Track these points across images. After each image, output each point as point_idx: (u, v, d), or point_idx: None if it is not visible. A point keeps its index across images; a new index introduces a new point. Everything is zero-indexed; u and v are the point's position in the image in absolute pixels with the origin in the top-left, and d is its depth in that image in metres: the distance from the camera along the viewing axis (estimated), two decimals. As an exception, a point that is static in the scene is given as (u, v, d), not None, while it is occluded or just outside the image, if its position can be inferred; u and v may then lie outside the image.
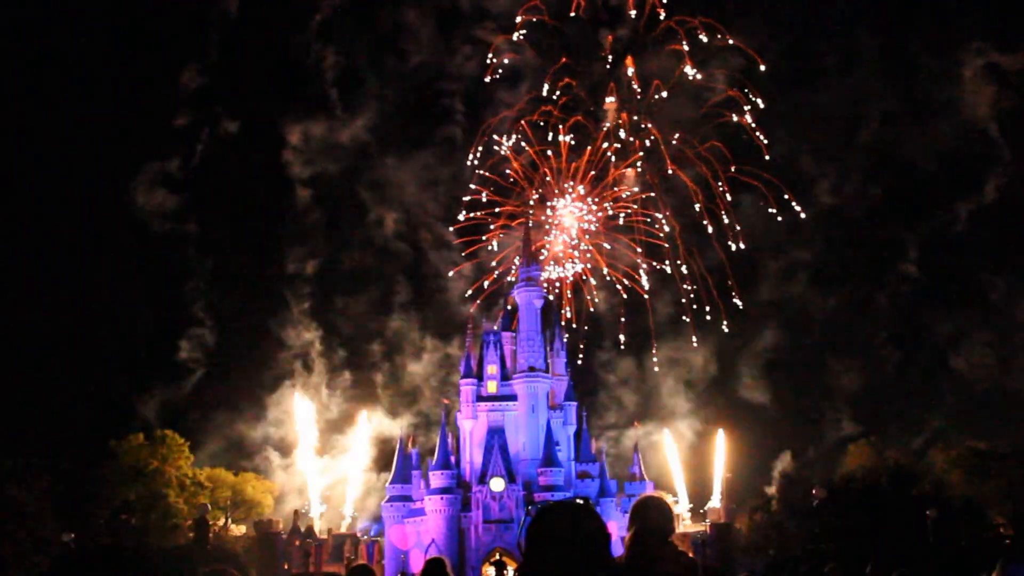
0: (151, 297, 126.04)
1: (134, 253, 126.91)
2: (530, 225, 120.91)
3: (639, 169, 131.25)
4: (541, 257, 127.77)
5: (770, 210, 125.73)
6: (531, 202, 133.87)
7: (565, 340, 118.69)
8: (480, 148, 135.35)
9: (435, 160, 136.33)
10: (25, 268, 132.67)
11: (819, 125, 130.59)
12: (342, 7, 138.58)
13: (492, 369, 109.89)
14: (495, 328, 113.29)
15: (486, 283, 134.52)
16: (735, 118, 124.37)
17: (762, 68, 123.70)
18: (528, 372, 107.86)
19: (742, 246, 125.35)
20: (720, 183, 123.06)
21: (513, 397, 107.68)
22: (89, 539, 77.72)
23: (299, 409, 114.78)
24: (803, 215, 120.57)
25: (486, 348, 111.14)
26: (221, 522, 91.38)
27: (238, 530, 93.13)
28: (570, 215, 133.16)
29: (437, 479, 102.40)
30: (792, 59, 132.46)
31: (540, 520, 5.35)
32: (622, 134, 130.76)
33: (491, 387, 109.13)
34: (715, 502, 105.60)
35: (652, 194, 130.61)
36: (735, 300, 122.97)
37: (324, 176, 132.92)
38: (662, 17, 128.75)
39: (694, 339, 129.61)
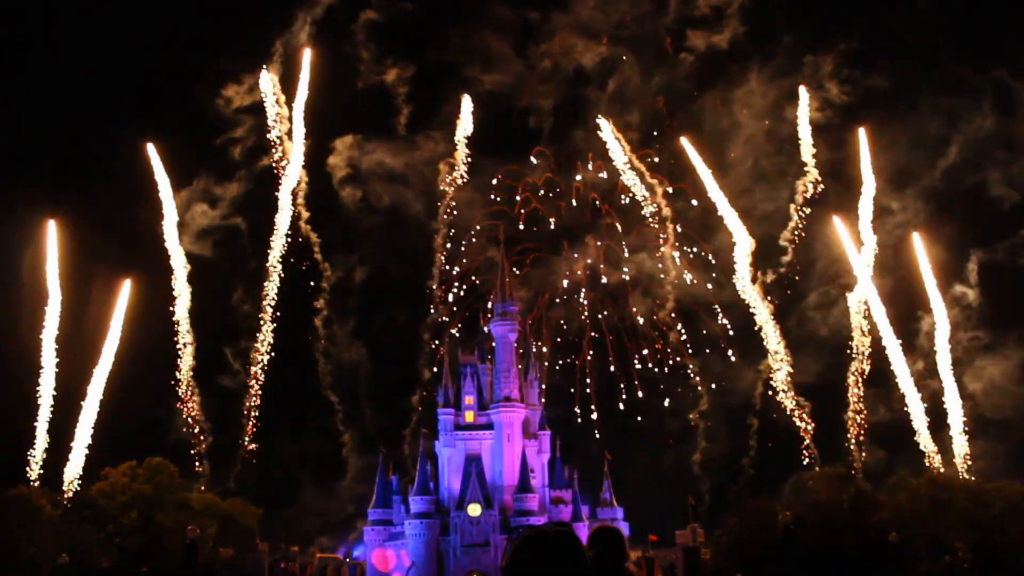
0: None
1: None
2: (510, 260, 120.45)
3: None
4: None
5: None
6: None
7: (539, 372, 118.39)
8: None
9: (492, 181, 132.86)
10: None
11: (904, 147, 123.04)
12: (408, 23, 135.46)
13: (469, 399, 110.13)
14: (472, 359, 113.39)
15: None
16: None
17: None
18: (504, 402, 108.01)
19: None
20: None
21: (490, 426, 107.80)
22: (84, 562, 76.90)
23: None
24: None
25: (463, 379, 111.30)
26: (210, 545, 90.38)
27: (226, 553, 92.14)
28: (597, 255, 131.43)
29: (417, 504, 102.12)
30: (892, 80, 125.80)
31: (524, 545, 5.48)
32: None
33: (468, 416, 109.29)
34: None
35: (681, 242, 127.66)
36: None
37: (379, 193, 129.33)
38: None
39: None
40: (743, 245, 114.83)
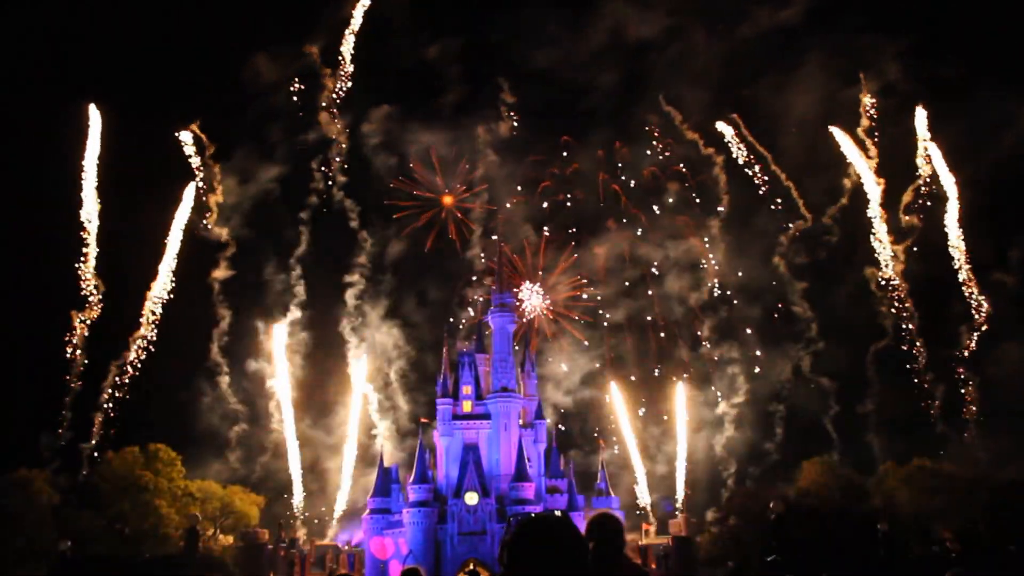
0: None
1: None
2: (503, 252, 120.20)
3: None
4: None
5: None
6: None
7: (535, 361, 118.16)
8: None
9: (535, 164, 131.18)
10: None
11: (960, 132, 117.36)
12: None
13: (467, 389, 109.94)
14: (470, 350, 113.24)
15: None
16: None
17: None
18: (501, 392, 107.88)
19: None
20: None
21: (487, 416, 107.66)
22: (85, 547, 76.98)
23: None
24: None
25: (461, 369, 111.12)
26: (210, 532, 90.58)
27: (226, 540, 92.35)
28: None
29: (415, 493, 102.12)
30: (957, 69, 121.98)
31: (522, 532, 5.39)
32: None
33: (466, 406, 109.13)
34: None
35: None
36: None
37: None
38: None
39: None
40: (790, 226, 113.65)
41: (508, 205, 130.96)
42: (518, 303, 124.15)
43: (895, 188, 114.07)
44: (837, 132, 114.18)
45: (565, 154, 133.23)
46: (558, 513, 6.57)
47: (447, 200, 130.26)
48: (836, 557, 62.32)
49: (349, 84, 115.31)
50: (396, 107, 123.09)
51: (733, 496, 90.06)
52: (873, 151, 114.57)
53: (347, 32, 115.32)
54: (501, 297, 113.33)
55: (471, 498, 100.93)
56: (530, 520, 5.39)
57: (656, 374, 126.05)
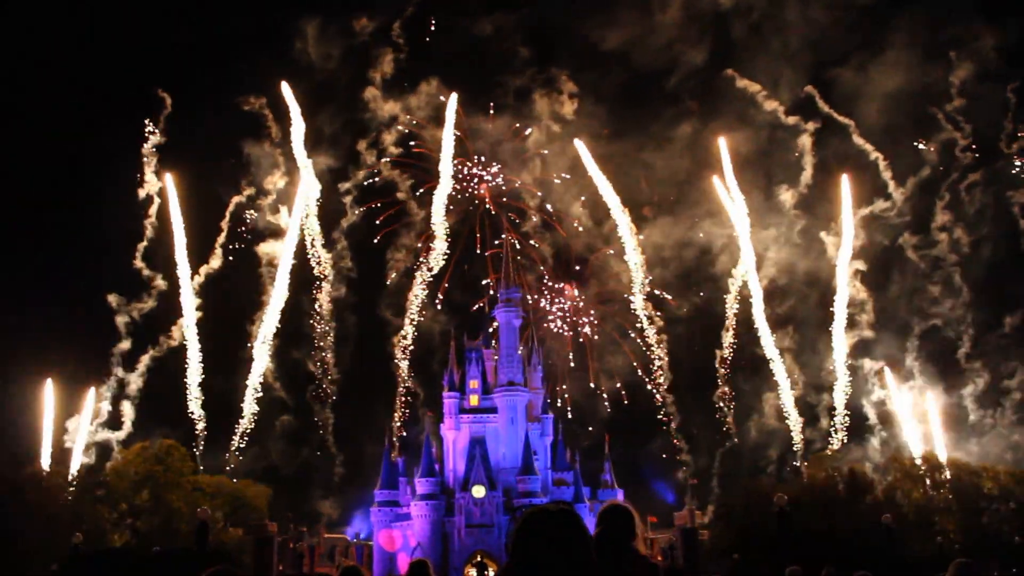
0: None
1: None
2: (509, 248, 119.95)
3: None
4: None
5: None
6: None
7: (541, 357, 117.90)
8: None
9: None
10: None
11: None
12: None
13: (474, 383, 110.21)
14: (477, 345, 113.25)
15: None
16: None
17: None
18: (508, 386, 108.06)
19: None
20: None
21: (494, 409, 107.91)
22: (97, 541, 77.15)
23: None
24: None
25: (468, 364, 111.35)
26: (220, 525, 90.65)
27: (236, 533, 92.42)
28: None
29: (422, 486, 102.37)
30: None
31: (527, 524, 5.31)
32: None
33: (473, 400, 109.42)
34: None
35: None
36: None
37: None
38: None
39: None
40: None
41: (555, 210, 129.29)
42: (567, 297, 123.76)
43: (976, 167, 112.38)
44: (923, 105, 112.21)
45: (619, 137, 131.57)
46: (563, 505, 6.42)
47: (483, 190, 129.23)
48: (840, 549, 62.22)
49: (402, 59, 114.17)
50: (447, 84, 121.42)
51: (741, 488, 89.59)
52: (967, 128, 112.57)
53: (403, 8, 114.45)
54: (507, 292, 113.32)
55: (478, 491, 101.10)
56: (534, 511, 5.31)
57: (705, 363, 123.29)
